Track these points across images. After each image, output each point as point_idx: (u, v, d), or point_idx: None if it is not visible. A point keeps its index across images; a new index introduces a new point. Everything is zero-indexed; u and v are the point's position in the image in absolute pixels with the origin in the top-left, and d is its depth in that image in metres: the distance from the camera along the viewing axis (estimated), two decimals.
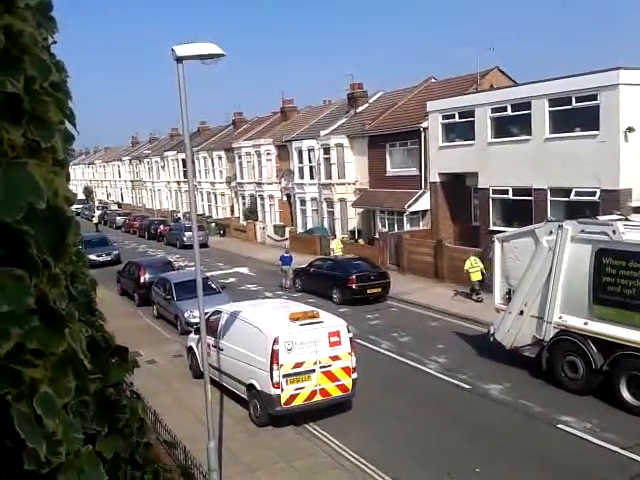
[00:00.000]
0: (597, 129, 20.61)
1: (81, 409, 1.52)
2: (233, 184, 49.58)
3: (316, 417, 12.32)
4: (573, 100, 21.30)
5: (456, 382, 14.22)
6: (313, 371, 12.02)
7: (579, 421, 11.70)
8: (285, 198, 43.29)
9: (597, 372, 12.60)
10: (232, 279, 28.82)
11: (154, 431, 11.26)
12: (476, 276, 21.70)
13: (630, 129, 19.78)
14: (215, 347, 13.68)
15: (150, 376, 14.72)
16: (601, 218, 14.51)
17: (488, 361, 15.41)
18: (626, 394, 12.06)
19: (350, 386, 12.43)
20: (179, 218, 53.40)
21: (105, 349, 1.87)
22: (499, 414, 12.38)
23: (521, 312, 14.32)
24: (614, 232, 12.44)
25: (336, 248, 29.88)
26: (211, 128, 63.22)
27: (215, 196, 52.57)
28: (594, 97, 20.59)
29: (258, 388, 12.10)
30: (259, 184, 44.56)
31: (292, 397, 11.86)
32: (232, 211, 50.63)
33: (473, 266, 21.83)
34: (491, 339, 15.24)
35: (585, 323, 12.90)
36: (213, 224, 47.98)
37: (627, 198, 20.02)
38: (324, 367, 12.11)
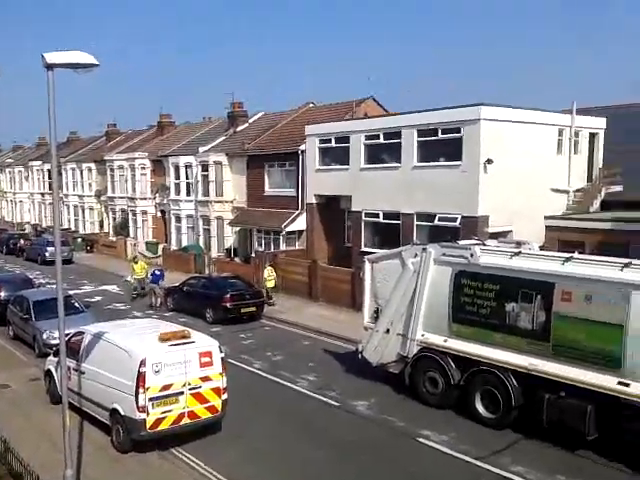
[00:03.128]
0: (460, 160, 22.13)
1: None
2: (103, 198, 47.54)
3: (183, 440, 11.99)
4: (439, 132, 22.76)
5: (325, 399, 14.49)
6: (182, 393, 11.70)
7: (437, 434, 12.34)
8: (159, 214, 42.16)
9: (455, 387, 13.39)
10: (98, 297, 27.48)
11: (4, 462, 10.44)
12: (270, 284, 25.30)
13: (489, 161, 21.44)
14: (76, 370, 12.90)
15: (2, 401, 13.58)
16: (461, 242, 15.52)
17: (356, 378, 15.87)
18: (480, 407, 12.91)
19: (220, 407, 12.24)
20: (42, 232, 50.09)
21: None
22: (365, 430, 12.75)
23: (387, 330, 14.92)
24: (472, 255, 13.36)
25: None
26: (82, 139, 60.36)
27: (83, 210, 50.12)
28: (458, 130, 22.13)
29: (122, 413, 11.56)
30: (132, 199, 43.06)
31: (158, 421, 11.46)
32: (101, 226, 48.45)
33: (270, 275, 25.38)
34: (359, 356, 15.72)
35: (445, 340, 13.70)
36: (79, 239, 45.55)
37: (484, 224, 21.64)
38: (193, 389, 11.84)
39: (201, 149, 37.63)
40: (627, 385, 10.59)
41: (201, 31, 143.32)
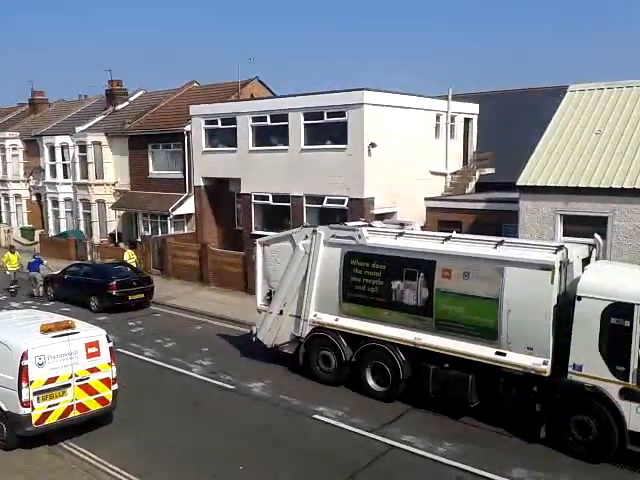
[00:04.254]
0: (345, 143, 22.65)
1: None
2: None
3: (73, 433, 11.56)
4: (325, 115, 23.13)
5: (220, 384, 14.50)
6: (69, 385, 11.28)
7: (332, 410, 12.78)
8: (35, 198, 39.64)
9: (347, 364, 13.90)
10: None
11: None
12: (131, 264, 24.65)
13: (372, 144, 22.13)
14: None
15: None
16: (349, 224, 16.00)
17: (251, 360, 16.00)
18: (371, 382, 13.51)
19: (110, 398, 11.92)
20: None
21: None
22: (261, 411, 12.92)
23: (281, 312, 15.14)
24: (359, 237, 13.84)
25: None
26: None
27: None
28: (343, 114, 22.61)
29: (4, 409, 10.95)
30: (3, 182, 40.22)
31: (45, 415, 10.98)
32: None
33: (130, 258, 25.38)
34: (254, 339, 15.85)
35: (336, 319, 14.13)
36: None
37: (370, 206, 22.39)
38: (81, 380, 11.44)
39: (78, 129, 35.74)
40: (504, 355, 11.51)
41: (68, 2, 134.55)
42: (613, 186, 15.84)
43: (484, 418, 12.13)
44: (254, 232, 25.25)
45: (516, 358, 11.34)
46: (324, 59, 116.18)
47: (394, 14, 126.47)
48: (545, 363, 10.99)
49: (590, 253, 12.49)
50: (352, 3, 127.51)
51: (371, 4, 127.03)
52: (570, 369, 10.70)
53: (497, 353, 11.59)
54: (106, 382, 11.84)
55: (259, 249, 16.04)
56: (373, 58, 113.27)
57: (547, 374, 10.98)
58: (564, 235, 16.44)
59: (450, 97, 26.57)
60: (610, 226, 15.88)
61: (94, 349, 11.74)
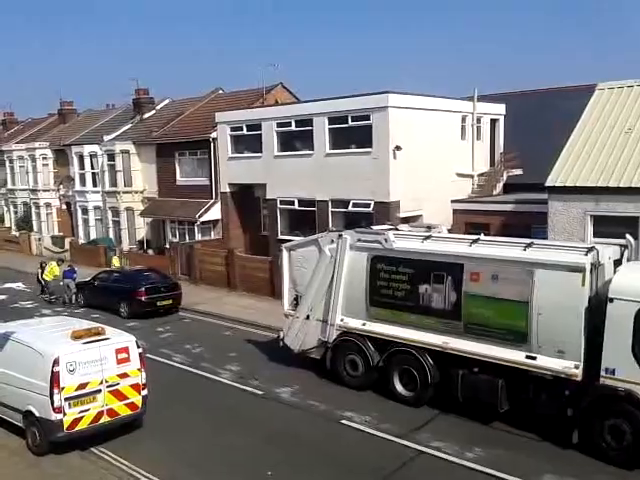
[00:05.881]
0: (370, 146, 22.60)
1: None
2: (3, 191, 44.86)
3: (104, 439, 11.69)
4: (349, 119, 23.11)
5: (249, 389, 14.53)
6: (99, 391, 11.42)
7: (359, 415, 12.71)
8: (65, 207, 40.34)
9: (374, 368, 13.82)
10: (2, 296, 26.02)
11: None
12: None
13: (398, 147, 22.04)
14: None
15: None
16: (375, 228, 15.95)
17: (279, 365, 16.01)
18: (399, 386, 13.42)
19: (140, 403, 12.04)
20: None
21: None
22: (289, 416, 12.92)
23: (307, 317, 15.14)
24: (386, 240, 13.78)
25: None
26: None
27: None
28: (367, 117, 22.57)
29: (37, 415, 11.13)
30: (34, 191, 40.99)
31: (76, 421, 11.13)
32: (2, 221, 45.74)
33: (115, 263, 27.82)
34: (281, 344, 15.87)
35: (363, 324, 14.08)
36: None
37: (396, 210, 22.27)
38: (111, 386, 11.58)
39: (106, 137, 36.27)
40: (534, 358, 11.32)
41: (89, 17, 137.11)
42: None
43: (515, 423, 11.94)
44: (280, 237, 25.30)
45: (547, 362, 11.14)
46: (348, 63, 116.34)
47: (416, 15, 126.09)
48: (577, 367, 10.77)
49: (622, 254, 12.22)
50: (370, 4, 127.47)
51: (390, 5, 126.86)
52: (602, 373, 10.47)
53: (527, 357, 11.40)
54: (136, 387, 11.95)
55: (285, 254, 16.07)
56: (398, 60, 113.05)
57: (579, 378, 10.76)
58: (594, 236, 16.08)
59: (476, 98, 26.33)
60: None
61: (124, 355, 11.86)
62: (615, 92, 18.87)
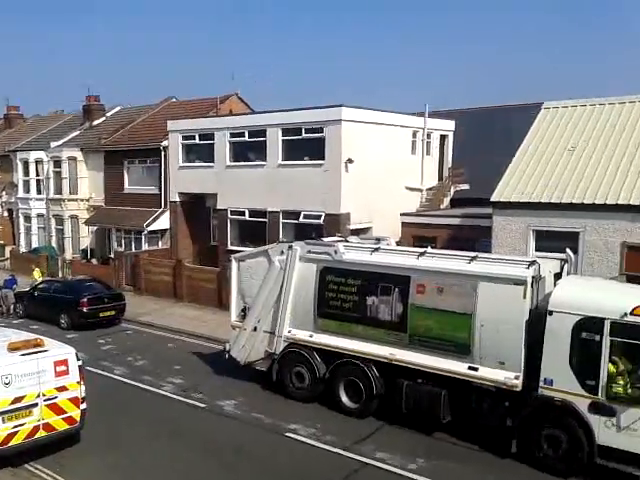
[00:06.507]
0: (323, 159, 22.73)
1: None
2: None
3: (39, 455, 11.23)
4: (303, 131, 23.21)
5: (192, 402, 14.24)
6: (36, 405, 10.98)
7: (305, 427, 12.60)
8: (6, 214, 39.05)
9: (321, 380, 13.76)
10: None
11: None
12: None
13: (350, 160, 22.24)
14: None
15: None
16: (325, 239, 15.97)
17: (224, 378, 15.77)
18: (344, 398, 13.40)
19: (79, 418, 11.62)
20: None
21: None
22: (233, 429, 12.70)
23: (255, 328, 14.98)
24: (335, 252, 13.79)
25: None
26: None
27: None
28: (320, 130, 22.71)
29: None
30: None
31: (9, 436, 10.65)
32: None
33: (39, 276, 26.48)
34: (227, 356, 15.65)
35: (311, 336, 14.02)
36: None
37: (346, 222, 22.42)
38: (49, 400, 11.15)
39: (53, 144, 35.39)
40: (476, 369, 11.50)
41: (47, 19, 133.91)
42: (585, 202, 16.03)
43: (457, 434, 12.07)
44: (230, 248, 25.09)
45: (488, 373, 11.32)
46: (302, 77, 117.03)
47: (370, 31, 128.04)
48: (517, 377, 10.98)
49: (562, 268, 12.59)
50: (326, 19, 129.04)
51: (347, 20, 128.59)
52: (541, 383, 10.70)
53: (470, 368, 11.57)
54: (74, 401, 11.56)
55: (234, 265, 15.90)
56: (350, 75, 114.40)
57: (518, 388, 10.98)
58: (536, 250, 16.57)
59: (427, 114, 26.84)
60: (581, 241, 16.05)
61: (63, 367, 11.46)
62: (560, 111, 19.58)
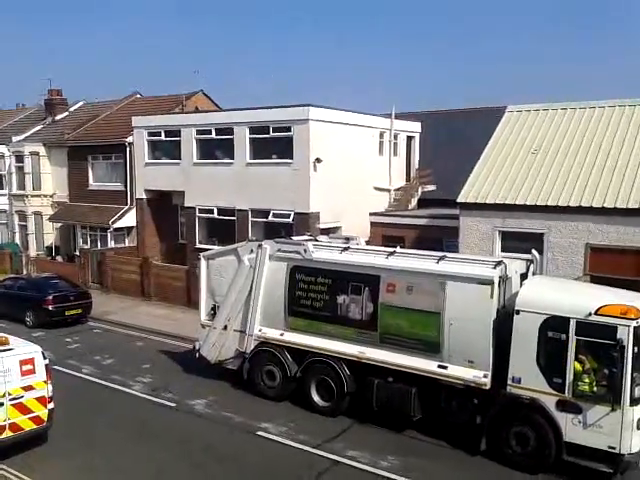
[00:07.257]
0: (291, 158, 22.76)
1: None
2: None
3: (5, 455, 11.02)
4: (271, 130, 23.19)
5: (161, 401, 14.15)
6: (1, 405, 10.80)
7: (276, 426, 12.66)
8: None
9: (292, 379, 13.83)
10: None
11: None
12: None
13: (318, 160, 22.33)
14: None
15: None
16: (295, 238, 16.03)
17: (194, 377, 15.70)
18: (316, 397, 13.49)
19: (46, 417, 11.47)
20: None
21: None
22: (203, 428, 12.67)
23: (225, 327, 14.95)
24: (305, 251, 13.87)
25: None
26: None
27: None
28: (288, 129, 22.74)
29: None
30: None
31: None
32: None
33: None
34: (197, 355, 15.57)
35: (281, 334, 14.07)
36: None
37: (316, 221, 22.51)
38: (15, 399, 10.98)
39: (15, 138, 34.55)
40: (445, 368, 11.72)
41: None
42: (548, 204, 16.47)
43: (428, 431, 12.29)
44: (198, 246, 24.93)
45: (457, 371, 11.56)
46: (269, 75, 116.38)
47: (338, 31, 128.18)
48: (485, 376, 11.24)
49: (527, 268, 12.91)
50: (295, 18, 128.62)
51: (314, 20, 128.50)
52: (509, 382, 10.98)
53: (439, 366, 11.79)
54: (41, 401, 11.40)
55: (203, 263, 15.83)
56: (318, 75, 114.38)
57: (487, 387, 11.24)
58: (502, 251, 16.95)
59: (393, 115, 27.11)
60: (546, 242, 16.49)
61: (29, 366, 11.31)
62: (523, 115, 20.04)
